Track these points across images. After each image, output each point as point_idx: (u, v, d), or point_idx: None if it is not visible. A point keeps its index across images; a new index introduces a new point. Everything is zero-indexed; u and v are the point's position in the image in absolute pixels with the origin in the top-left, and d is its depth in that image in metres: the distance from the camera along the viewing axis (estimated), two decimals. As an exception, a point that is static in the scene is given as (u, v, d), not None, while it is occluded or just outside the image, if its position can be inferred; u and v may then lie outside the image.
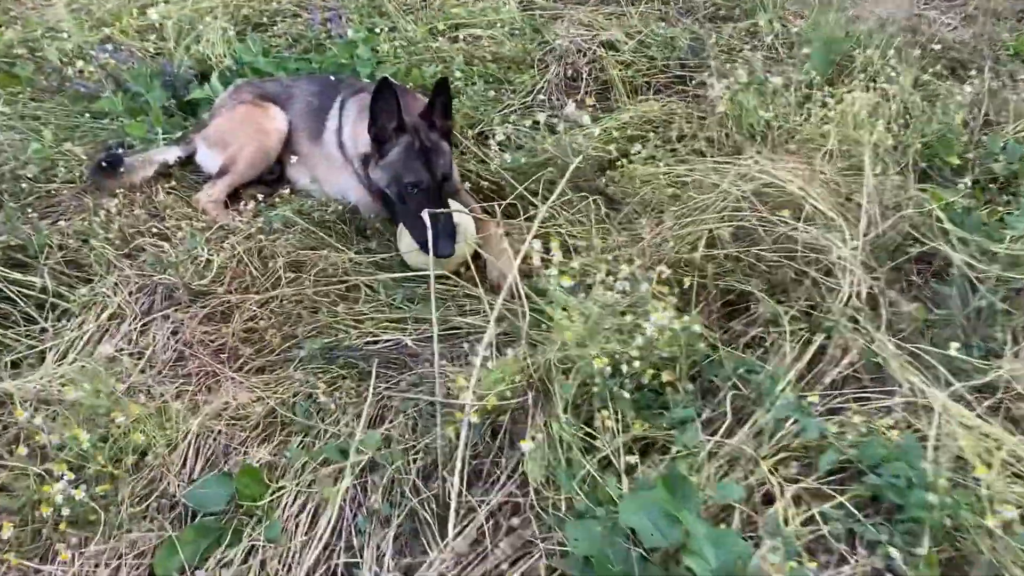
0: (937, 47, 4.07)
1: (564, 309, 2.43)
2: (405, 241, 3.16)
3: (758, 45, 4.36)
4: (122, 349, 2.96)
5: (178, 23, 4.75)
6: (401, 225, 3.20)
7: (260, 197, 3.65)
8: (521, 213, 3.17)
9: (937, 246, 2.67)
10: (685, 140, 3.69)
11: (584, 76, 4.30)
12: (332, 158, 3.62)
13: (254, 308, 3.05)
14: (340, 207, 3.52)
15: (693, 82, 4.13)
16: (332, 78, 3.93)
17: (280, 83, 4.00)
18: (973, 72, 3.89)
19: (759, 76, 3.74)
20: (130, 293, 3.15)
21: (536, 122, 3.54)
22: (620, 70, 4.26)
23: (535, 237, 2.69)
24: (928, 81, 3.74)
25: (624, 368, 2.34)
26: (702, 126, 3.71)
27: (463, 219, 3.17)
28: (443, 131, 3.24)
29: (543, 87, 4.22)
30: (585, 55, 4.37)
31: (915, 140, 3.35)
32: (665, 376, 2.41)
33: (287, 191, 3.67)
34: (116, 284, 3.18)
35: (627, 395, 2.32)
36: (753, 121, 3.57)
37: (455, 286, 3.18)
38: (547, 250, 2.55)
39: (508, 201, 3.01)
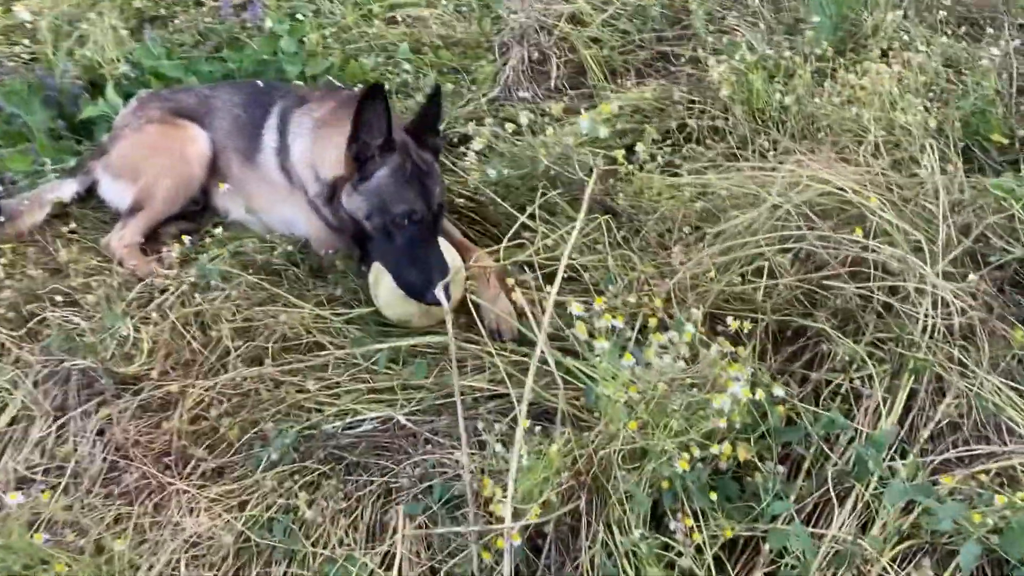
0: (946, 2, 3.70)
1: (612, 381, 1.97)
2: (385, 288, 2.63)
3: (742, 10, 3.92)
4: (34, 465, 2.36)
5: (54, 22, 4.00)
6: (376, 269, 2.66)
7: (187, 239, 3.03)
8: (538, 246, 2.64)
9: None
10: (687, 131, 3.24)
11: (552, 59, 3.78)
12: (273, 184, 3.04)
13: (201, 391, 2.48)
14: (288, 246, 2.94)
15: (682, 59, 3.66)
16: (260, 84, 3.31)
17: (195, 93, 3.35)
18: (990, 31, 3.54)
19: (760, 49, 3.30)
20: (35, 384, 2.54)
21: (518, 124, 3.02)
22: (593, 49, 3.76)
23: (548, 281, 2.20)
24: (947, 45, 3.37)
25: (696, 452, 1.90)
26: (702, 114, 3.26)
27: (449, 253, 2.66)
28: (433, 150, 2.70)
29: (509, 75, 3.68)
30: (550, 33, 3.85)
31: (953, 117, 2.97)
32: (742, 453, 1.98)
33: (218, 228, 3.05)
34: (16, 373, 2.56)
35: (705, 490, 1.88)
36: (763, 105, 3.14)
37: (441, 334, 2.69)
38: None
39: (514, 241, 2.49)
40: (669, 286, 2.34)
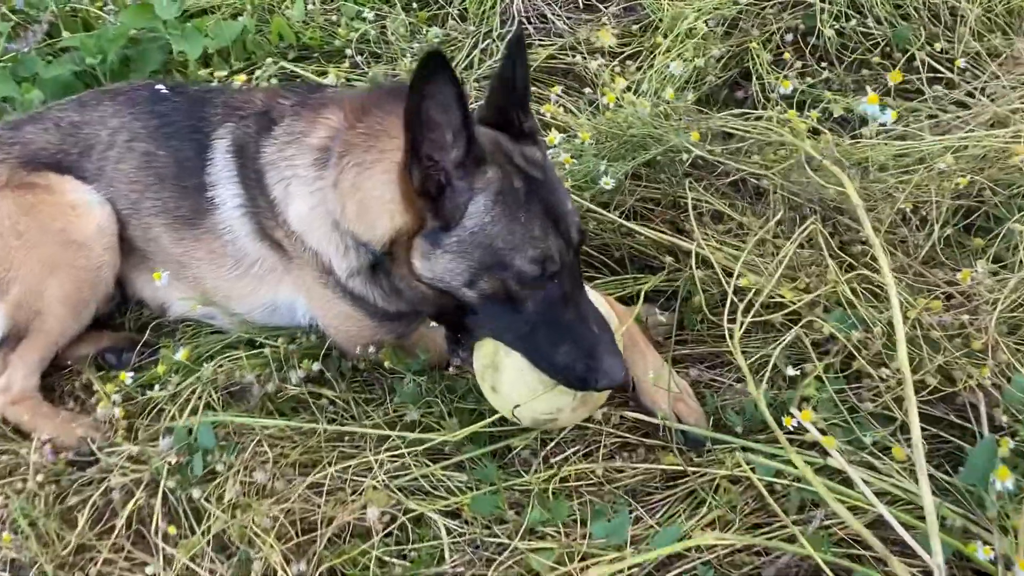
0: None
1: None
2: (510, 379, 1.70)
3: None
4: None
5: None
6: (487, 351, 1.72)
7: (127, 375, 1.97)
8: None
9: None
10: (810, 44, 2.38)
11: (558, -36, 2.75)
12: (247, 259, 1.98)
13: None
14: (314, 364, 1.93)
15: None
16: (164, 89, 2.14)
17: (52, 121, 2.17)
18: None
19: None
20: None
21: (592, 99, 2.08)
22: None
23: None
24: None
25: None
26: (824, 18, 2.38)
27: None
28: (531, 138, 1.71)
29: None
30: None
31: None
32: None
33: (178, 352, 1.99)
34: None
35: None
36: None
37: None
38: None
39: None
40: (992, 331, 1.52)
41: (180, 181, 2.00)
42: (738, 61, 2.42)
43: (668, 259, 2.01)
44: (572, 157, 1.99)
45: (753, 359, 1.78)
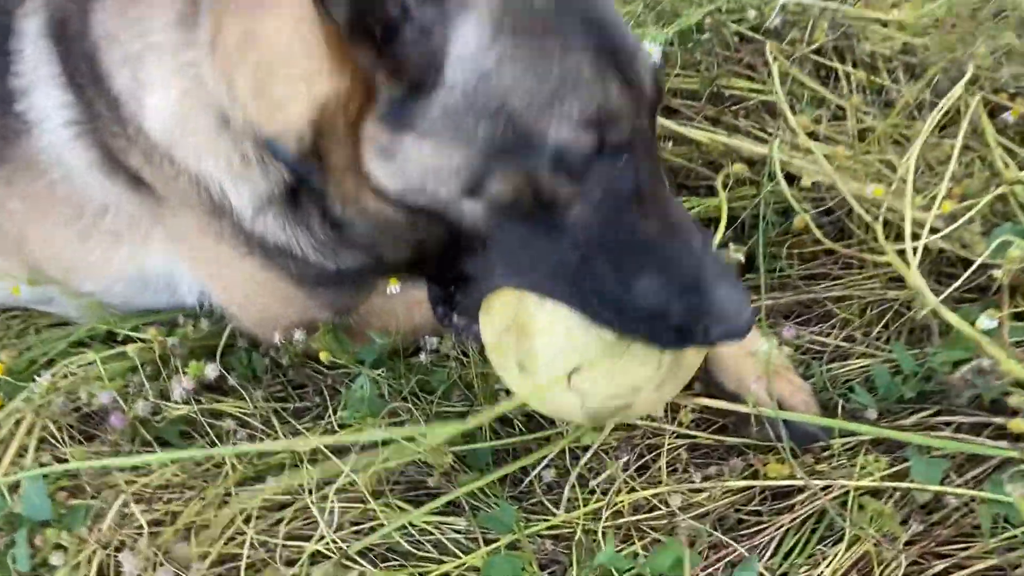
0: None
1: None
2: (551, 348, 1.01)
3: None
4: None
5: None
6: (500, 318, 1.06)
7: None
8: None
9: None
10: None
11: None
12: (94, 201, 1.31)
13: None
14: (208, 366, 1.28)
15: None
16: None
17: None
18: None
19: None
20: None
21: None
22: None
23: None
24: None
25: None
26: None
27: None
28: None
29: None
30: None
31: None
32: None
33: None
34: None
35: None
36: None
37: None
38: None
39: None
40: None
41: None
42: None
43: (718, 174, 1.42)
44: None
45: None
